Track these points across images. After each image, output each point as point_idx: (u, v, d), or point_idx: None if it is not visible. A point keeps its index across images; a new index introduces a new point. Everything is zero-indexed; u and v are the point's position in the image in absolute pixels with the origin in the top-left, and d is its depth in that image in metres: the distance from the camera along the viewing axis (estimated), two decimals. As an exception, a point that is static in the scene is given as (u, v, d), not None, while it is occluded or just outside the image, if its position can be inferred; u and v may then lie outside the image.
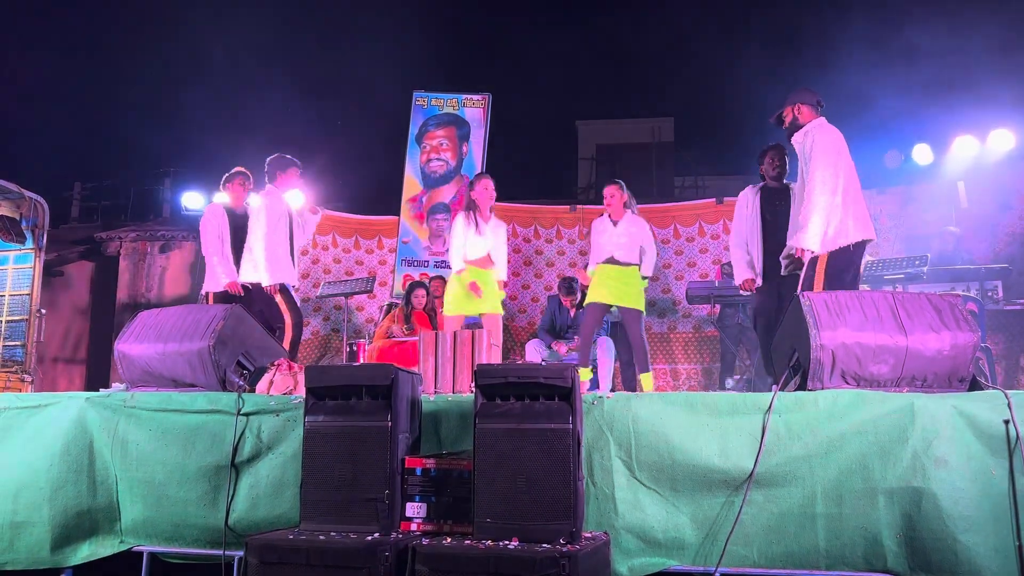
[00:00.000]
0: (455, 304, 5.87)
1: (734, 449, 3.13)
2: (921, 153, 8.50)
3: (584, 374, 6.14)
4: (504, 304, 9.31)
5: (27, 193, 8.22)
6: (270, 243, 5.79)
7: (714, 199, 9.69)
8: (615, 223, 6.30)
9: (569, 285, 7.62)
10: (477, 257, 5.90)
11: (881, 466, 3.02)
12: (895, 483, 2.99)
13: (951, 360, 3.26)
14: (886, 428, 3.05)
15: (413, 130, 9.66)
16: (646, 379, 6.15)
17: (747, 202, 5.43)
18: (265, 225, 5.78)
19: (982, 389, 3.30)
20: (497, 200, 8.84)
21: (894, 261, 6.84)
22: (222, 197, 6.73)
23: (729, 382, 7.60)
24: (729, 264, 8.22)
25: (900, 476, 2.99)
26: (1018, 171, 8.21)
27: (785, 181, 5.47)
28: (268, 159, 6.12)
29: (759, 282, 5.27)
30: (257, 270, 5.79)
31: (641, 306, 6.18)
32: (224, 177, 6.61)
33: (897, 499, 2.98)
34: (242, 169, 6.58)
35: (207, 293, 6.33)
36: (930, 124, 8.76)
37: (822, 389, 3.28)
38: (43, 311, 8.28)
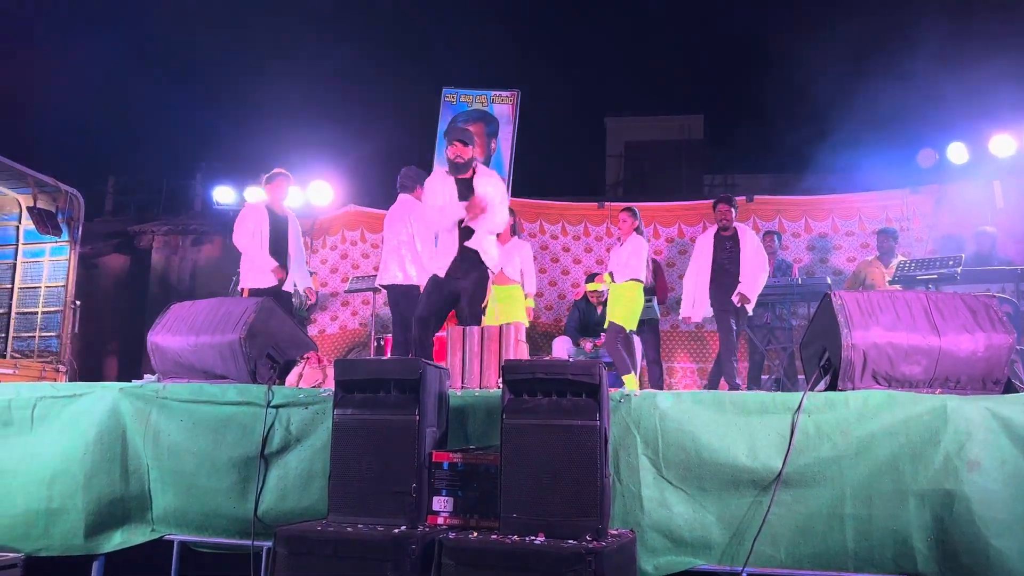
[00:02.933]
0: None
1: (762, 449, 3.11)
2: (956, 152, 8.35)
3: (629, 382, 6.26)
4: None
5: (63, 186, 8.36)
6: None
7: (744, 197, 9.60)
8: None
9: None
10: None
11: (912, 468, 2.98)
12: (926, 485, 2.95)
13: (985, 362, 3.21)
14: (918, 430, 3.02)
15: (442, 126, 9.67)
16: (628, 379, 6.38)
17: None
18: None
19: (1017, 392, 3.24)
20: (524, 196, 8.86)
21: (927, 261, 6.74)
22: (261, 195, 6.80)
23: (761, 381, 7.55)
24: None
25: (932, 478, 2.95)
26: (1056, 171, 8.06)
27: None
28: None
29: None
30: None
31: (616, 319, 6.50)
32: (265, 177, 6.67)
33: (928, 501, 2.94)
34: (283, 170, 6.63)
35: (243, 289, 6.39)
36: (965, 122, 8.61)
37: (853, 389, 3.24)
38: (78, 303, 8.41)
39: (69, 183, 8.53)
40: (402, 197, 6.22)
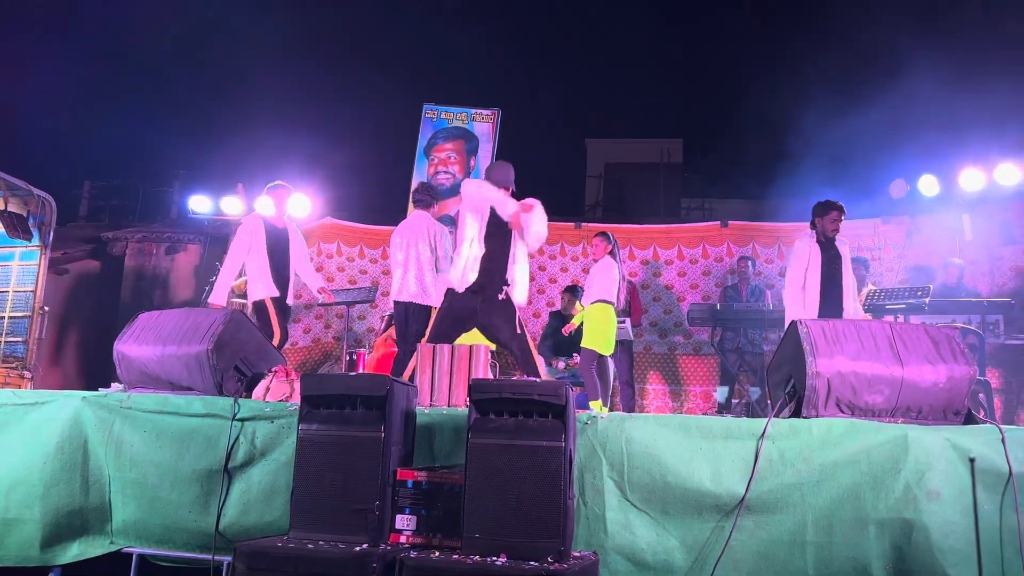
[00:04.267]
0: None
1: (727, 474, 3.13)
2: (927, 184, 8.50)
3: (595, 407, 6.27)
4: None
5: (35, 191, 8.27)
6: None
7: (719, 222, 9.70)
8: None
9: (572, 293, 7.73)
10: None
11: (873, 496, 3.01)
12: (886, 514, 2.98)
13: (947, 392, 3.26)
14: (879, 459, 3.05)
15: (422, 142, 9.70)
16: (594, 404, 6.39)
17: None
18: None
19: (977, 423, 3.29)
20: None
21: (896, 291, 6.84)
22: (262, 203, 6.77)
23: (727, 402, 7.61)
24: (732, 287, 8.26)
25: (892, 507, 2.99)
26: (1024, 206, 8.22)
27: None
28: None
29: None
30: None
31: (589, 344, 6.55)
32: (268, 186, 6.62)
33: (888, 530, 2.97)
34: (283, 182, 6.61)
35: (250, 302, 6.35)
36: (937, 156, 8.77)
37: (817, 417, 3.28)
38: (46, 308, 8.31)
39: (44, 187, 8.44)
40: (419, 212, 6.16)
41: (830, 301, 5.67)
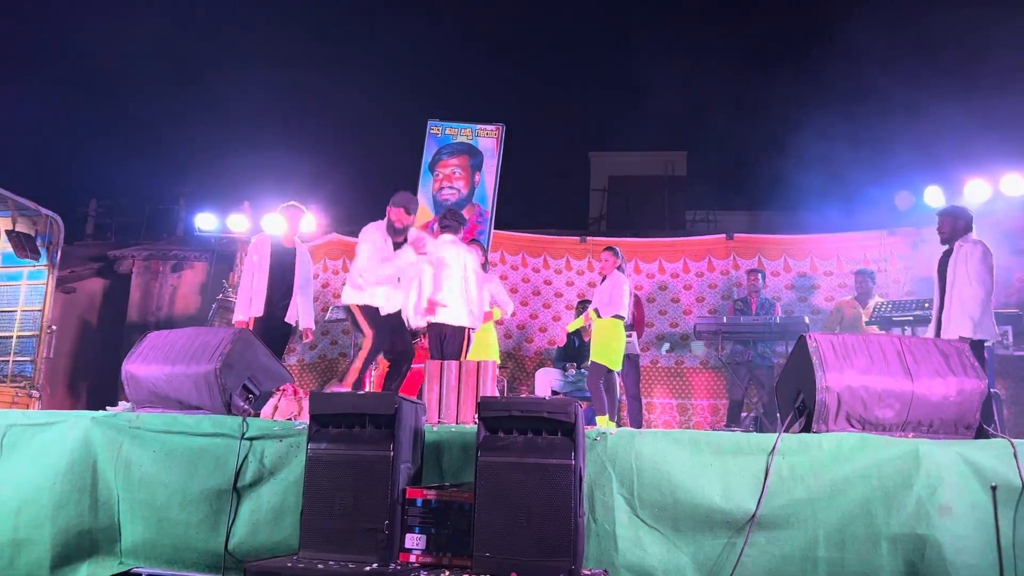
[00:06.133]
0: None
1: (737, 490, 3.12)
2: (933, 195, 8.48)
3: (602, 422, 6.26)
4: (511, 332, 9.36)
5: (43, 210, 8.31)
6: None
7: (724, 235, 9.69)
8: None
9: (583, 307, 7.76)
10: None
11: (885, 512, 3.00)
12: (898, 529, 2.97)
13: (957, 406, 3.24)
14: (890, 473, 3.04)
15: (427, 158, 9.72)
16: (601, 420, 6.35)
17: None
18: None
19: (989, 437, 3.27)
20: (507, 229, 8.90)
21: (904, 303, 6.82)
22: (274, 222, 6.77)
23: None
24: (742, 300, 8.24)
25: (904, 523, 2.97)
26: (1031, 216, 8.20)
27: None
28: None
29: None
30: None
31: (598, 358, 6.56)
32: (282, 205, 6.61)
33: (900, 546, 2.95)
34: (296, 203, 6.61)
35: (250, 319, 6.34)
36: (942, 166, 8.77)
37: (827, 432, 3.26)
38: (54, 327, 8.33)
39: (51, 206, 8.48)
40: (447, 237, 6.14)
41: None
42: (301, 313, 6.41)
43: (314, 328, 6.63)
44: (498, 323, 6.96)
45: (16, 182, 8.25)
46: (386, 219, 5.66)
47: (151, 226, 14.49)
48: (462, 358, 5.69)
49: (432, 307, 5.77)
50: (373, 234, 5.63)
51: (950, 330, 5.19)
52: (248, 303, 6.20)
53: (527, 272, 9.78)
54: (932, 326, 5.53)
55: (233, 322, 6.29)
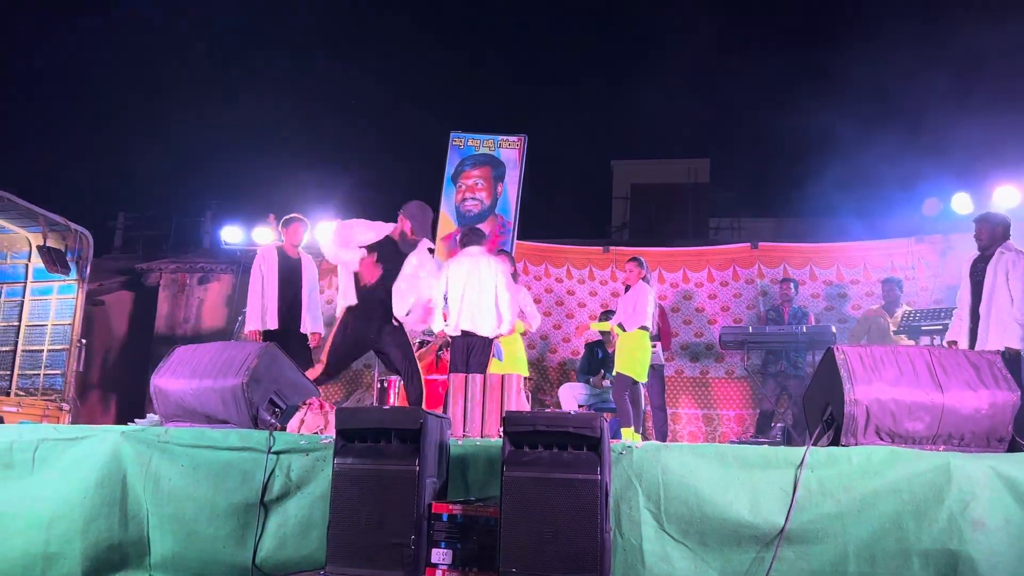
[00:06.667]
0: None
1: (765, 504, 3.09)
2: (961, 202, 8.38)
3: (628, 434, 6.24)
4: (535, 343, 9.34)
5: (73, 225, 8.43)
6: None
7: (749, 244, 9.64)
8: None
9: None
10: None
11: (916, 526, 2.96)
12: (930, 544, 2.92)
13: (989, 419, 3.19)
14: (921, 487, 2.99)
15: (449, 170, 9.76)
16: (626, 432, 6.33)
17: None
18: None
19: (1022, 450, 3.22)
20: (530, 239, 8.91)
21: (932, 312, 6.74)
22: (279, 236, 6.87)
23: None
24: (774, 310, 8.17)
25: (935, 538, 2.93)
26: (1061, 222, 8.07)
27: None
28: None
29: None
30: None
31: (623, 370, 6.53)
32: (283, 219, 6.72)
33: (932, 561, 2.91)
34: (299, 215, 6.72)
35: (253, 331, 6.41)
36: (970, 173, 8.66)
37: (856, 445, 3.23)
38: (83, 341, 8.44)
39: (79, 220, 8.60)
40: (473, 249, 6.11)
41: None
42: (309, 320, 6.49)
43: (322, 332, 6.70)
44: (521, 335, 6.96)
45: (46, 197, 8.39)
46: (398, 229, 5.68)
47: (178, 239, 14.66)
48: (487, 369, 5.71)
49: (462, 318, 5.79)
50: (379, 224, 5.72)
51: (991, 340, 5.11)
52: (258, 314, 6.28)
53: (550, 282, 9.77)
54: (963, 333, 5.43)
55: (245, 332, 6.36)
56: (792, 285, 8.19)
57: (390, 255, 5.55)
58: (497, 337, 5.85)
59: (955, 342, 5.45)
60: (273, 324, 6.26)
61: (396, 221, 5.68)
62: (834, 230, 10.68)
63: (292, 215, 6.72)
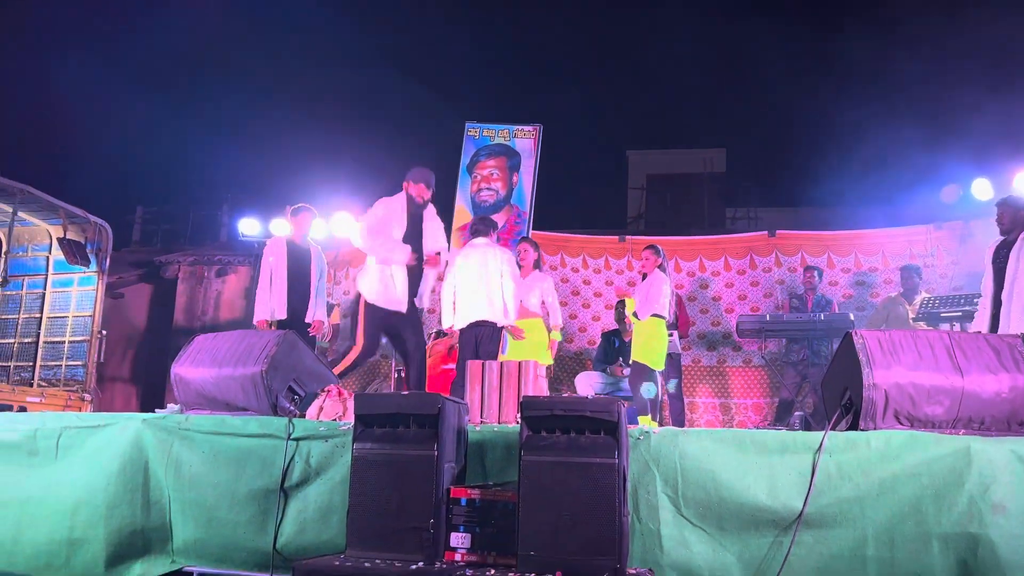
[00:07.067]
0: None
1: (783, 488, 3.08)
2: (980, 188, 8.30)
3: (644, 422, 6.24)
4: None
5: (92, 218, 8.52)
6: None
7: (766, 232, 9.60)
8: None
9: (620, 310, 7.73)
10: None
11: (935, 510, 2.94)
12: (950, 528, 2.91)
13: (1010, 403, 3.17)
14: (941, 471, 2.98)
15: (464, 160, 9.76)
16: (643, 420, 6.32)
17: None
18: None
19: (1043, 434, 3.20)
20: (546, 229, 8.92)
21: (952, 298, 6.69)
22: (287, 227, 6.92)
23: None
24: (798, 298, 8.14)
25: (956, 521, 2.91)
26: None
27: None
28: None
29: None
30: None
31: (640, 358, 6.55)
32: (290, 210, 6.78)
33: (952, 545, 2.90)
34: (307, 205, 6.77)
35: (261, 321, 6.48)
36: (990, 158, 8.56)
37: (874, 429, 3.21)
38: (104, 332, 8.53)
39: (98, 213, 8.69)
40: (480, 240, 6.20)
41: None
42: (316, 309, 6.56)
43: (324, 321, 6.77)
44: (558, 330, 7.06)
45: (65, 191, 8.48)
46: (404, 194, 5.79)
47: (195, 232, 14.77)
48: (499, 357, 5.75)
49: (470, 309, 5.82)
50: (390, 202, 5.77)
51: (1012, 324, 5.05)
52: (267, 304, 6.34)
53: (566, 272, 9.77)
54: (985, 319, 5.38)
55: (254, 322, 6.42)
56: (816, 273, 8.15)
57: (412, 231, 5.85)
58: (504, 328, 5.90)
59: (980, 332, 5.40)
60: (282, 314, 6.32)
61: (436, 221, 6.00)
62: (852, 218, 10.61)
63: (300, 205, 6.77)
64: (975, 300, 6.23)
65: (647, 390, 6.38)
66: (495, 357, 5.56)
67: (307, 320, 6.50)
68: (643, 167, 18.85)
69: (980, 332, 4.94)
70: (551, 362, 6.56)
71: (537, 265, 6.94)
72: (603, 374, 7.53)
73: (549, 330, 6.91)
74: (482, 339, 5.86)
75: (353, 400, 3.35)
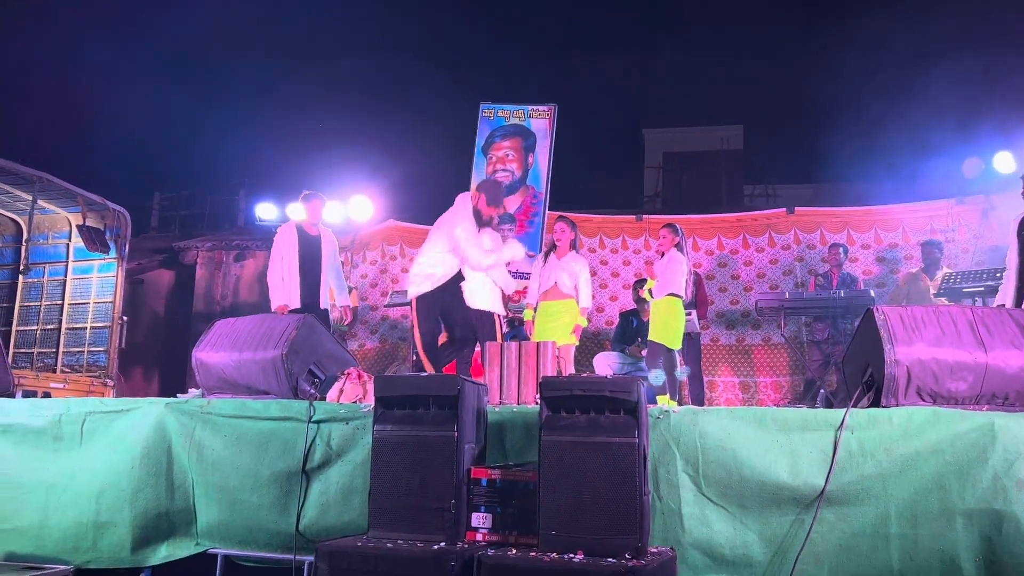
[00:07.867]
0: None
1: (804, 466, 3.07)
2: (1003, 161, 8.17)
3: (663, 401, 6.22)
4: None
5: (111, 204, 8.58)
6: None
7: (784, 209, 9.51)
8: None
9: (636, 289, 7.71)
10: (545, 288, 6.45)
11: (959, 487, 2.92)
12: (974, 504, 2.89)
13: (1035, 378, 3.13)
14: (964, 448, 2.96)
15: (479, 141, 9.72)
16: (662, 399, 6.31)
17: None
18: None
19: (1068, 409, 3.16)
20: (562, 210, 8.89)
21: (974, 273, 6.61)
22: (299, 212, 6.93)
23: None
24: (823, 275, 8.06)
25: (980, 497, 2.89)
26: (1109, 179, 7.84)
27: None
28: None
29: None
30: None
31: (656, 338, 6.47)
32: (303, 195, 6.80)
33: (976, 521, 2.88)
34: (316, 192, 6.81)
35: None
36: (1013, 131, 8.42)
37: (897, 406, 3.19)
38: (125, 318, 8.61)
39: (117, 200, 8.75)
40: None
41: None
42: (336, 293, 6.58)
43: (351, 306, 6.80)
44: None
45: (82, 176, 8.54)
46: (472, 206, 5.83)
47: (213, 217, 14.85)
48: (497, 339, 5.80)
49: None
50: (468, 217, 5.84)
51: None
52: (280, 290, 6.36)
53: (583, 252, 9.74)
54: (1010, 293, 5.28)
55: (273, 309, 6.47)
56: (841, 250, 8.07)
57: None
58: (504, 316, 5.95)
59: (1003, 305, 5.33)
60: (296, 303, 6.36)
61: (452, 203, 5.96)
62: (871, 194, 10.50)
63: (310, 191, 6.79)
64: (998, 275, 6.14)
65: (655, 377, 6.34)
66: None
67: (323, 306, 6.53)
68: (660, 145, 18.71)
69: (1004, 306, 4.87)
70: (576, 342, 6.50)
71: (573, 246, 6.81)
72: (621, 354, 7.52)
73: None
74: (481, 328, 5.94)
75: (373, 382, 3.36)
